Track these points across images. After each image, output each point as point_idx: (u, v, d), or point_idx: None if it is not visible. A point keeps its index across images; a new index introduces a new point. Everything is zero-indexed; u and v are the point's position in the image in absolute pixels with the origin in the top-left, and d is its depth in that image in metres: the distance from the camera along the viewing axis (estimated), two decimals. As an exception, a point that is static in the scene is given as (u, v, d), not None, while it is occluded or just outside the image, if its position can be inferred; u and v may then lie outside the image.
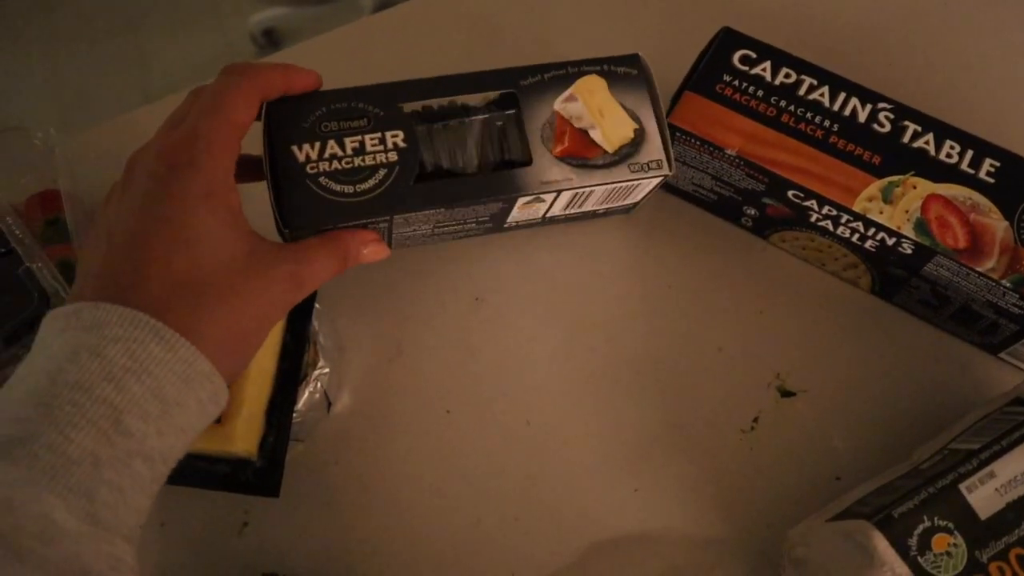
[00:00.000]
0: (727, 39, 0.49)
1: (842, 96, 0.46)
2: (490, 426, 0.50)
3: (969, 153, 0.45)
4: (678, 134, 0.48)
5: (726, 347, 0.50)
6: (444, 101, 0.46)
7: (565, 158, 0.45)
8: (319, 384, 0.48)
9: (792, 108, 0.46)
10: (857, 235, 0.46)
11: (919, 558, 0.38)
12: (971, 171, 0.44)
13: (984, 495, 0.39)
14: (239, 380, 0.45)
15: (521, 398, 0.50)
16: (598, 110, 0.45)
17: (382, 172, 0.43)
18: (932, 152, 0.45)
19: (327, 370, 0.49)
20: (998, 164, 0.44)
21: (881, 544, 0.38)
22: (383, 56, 0.61)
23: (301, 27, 1.60)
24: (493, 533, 0.48)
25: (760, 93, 0.47)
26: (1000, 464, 0.39)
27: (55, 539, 0.28)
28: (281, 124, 0.42)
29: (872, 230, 0.45)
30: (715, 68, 0.48)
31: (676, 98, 0.48)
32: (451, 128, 0.45)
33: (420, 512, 0.48)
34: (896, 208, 0.44)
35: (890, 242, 0.44)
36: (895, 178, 0.45)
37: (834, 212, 0.45)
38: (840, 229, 0.46)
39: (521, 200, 0.45)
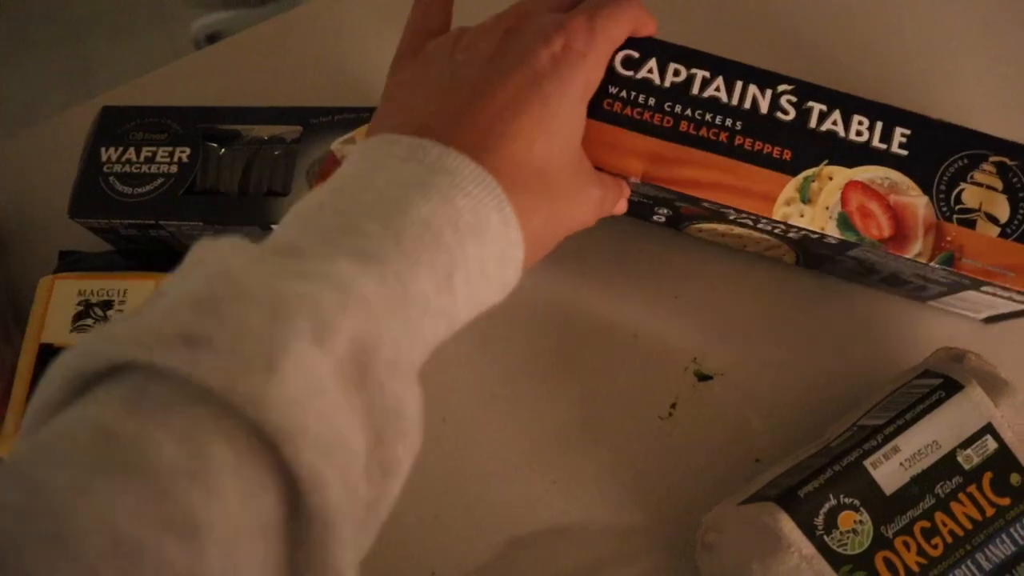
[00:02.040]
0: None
1: (739, 86, 0.42)
2: (407, 425, 0.49)
3: (879, 126, 0.42)
4: None
5: (641, 334, 0.50)
6: (243, 128, 0.50)
7: None
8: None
9: (690, 113, 0.42)
10: (779, 229, 0.44)
11: (825, 537, 0.38)
12: (883, 146, 0.42)
13: (889, 470, 0.39)
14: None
15: (436, 395, 0.49)
16: None
17: (159, 180, 0.48)
18: (842, 132, 0.42)
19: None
20: (908, 132, 0.42)
21: (787, 525, 0.38)
22: (315, 47, 0.60)
23: (244, 30, 1.58)
24: (412, 531, 0.47)
25: (652, 101, 0.42)
26: (904, 438, 0.39)
27: (398, 373, 0.27)
28: (104, 125, 0.50)
29: (800, 231, 0.43)
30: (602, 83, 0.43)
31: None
32: (229, 152, 0.49)
33: (338, 516, 0.47)
34: (816, 207, 0.41)
35: (814, 236, 0.43)
36: (810, 172, 0.41)
37: (752, 218, 0.43)
38: (761, 225, 0.44)
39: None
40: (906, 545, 0.38)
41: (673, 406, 0.48)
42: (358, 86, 0.57)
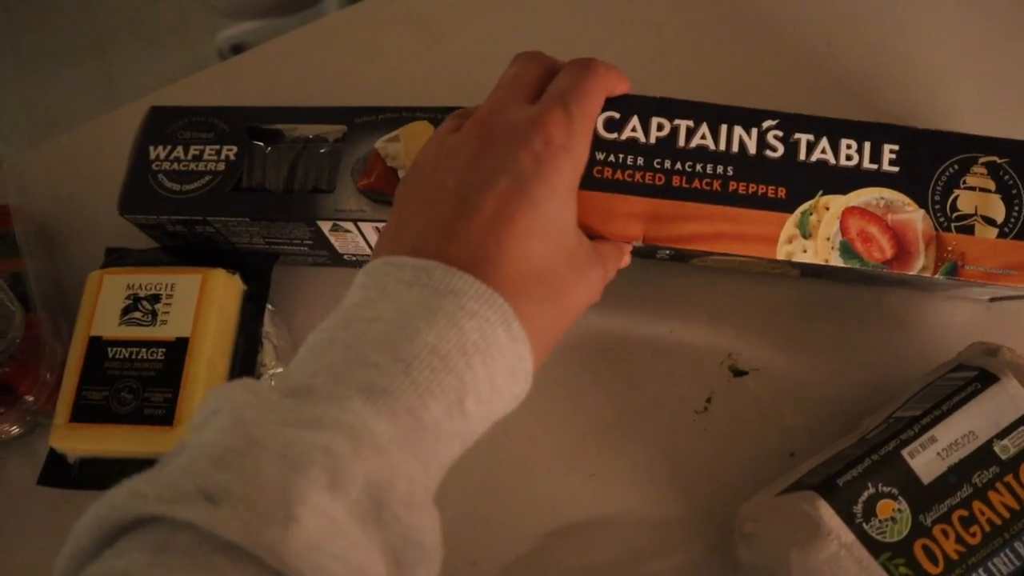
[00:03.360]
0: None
1: (724, 130, 0.41)
2: (446, 418, 0.50)
3: (867, 147, 0.41)
4: None
5: (677, 329, 0.51)
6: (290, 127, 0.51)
7: (367, 191, 0.47)
8: (272, 384, 0.48)
9: (680, 166, 0.41)
10: (789, 267, 0.44)
11: (864, 524, 0.39)
12: (874, 166, 0.41)
13: (926, 460, 0.40)
14: (190, 380, 0.45)
15: (476, 389, 0.50)
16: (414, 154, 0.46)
17: (207, 178, 0.49)
18: (832, 160, 0.41)
19: (280, 370, 0.49)
20: (897, 147, 0.41)
21: (827, 512, 0.39)
22: (342, 57, 0.61)
23: (279, 36, 1.60)
24: (451, 524, 0.47)
25: (641, 161, 0.40)
26: (940, 429, 0.40)
27: (413, 505, 0.29)
28: (152, 125, 0.51)
29: (803, 264, 0.42)
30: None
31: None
32: (275, 151, 0.50)
33: (379, 507, 0.48)
34: (817, 240, 0.41)
35: (819, 265, 0.42)
36: (806, 206, 0.41)
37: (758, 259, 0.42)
38: (766, 264, 0.44)
39: (323, 225, 0.48)
40: (944, 533, 0.38)
41: (709, 400, 0.49)
42: (399, 90, 0.58)
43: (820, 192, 0.41)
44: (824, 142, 0.41)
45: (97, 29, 1.81)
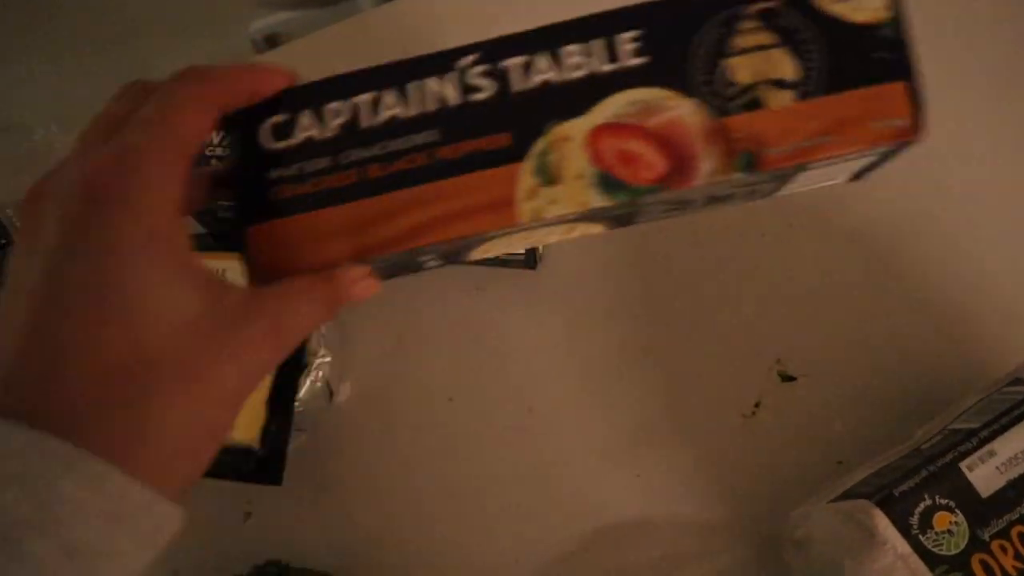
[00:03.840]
0: (233, 129, 0.32)
1: (412, 88, 0.32)
2: (493, 413, 0.50)
3: (597, 45, 0.32)
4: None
5: (727, 333, 0.50)
6: None
7: None
8: (321, 373, 0.48)
9: (374, 152, 0.32)
10: (559, 225, 0.34)
11: (920, 536, 0.38)
12: (613, 67, 0.31)
13: (985, 473, 0.39)
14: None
15: (523, 386, 0.50)
16: None
17: None
18: (556, 77, 0.32)
19: (328, 359, 0.49)
20: (637, 33, 0.32)
21: (882, 523, 0.38)
22: (377, 54, 0.61)
23: (303, 32, 1.60)
24: (497, 519, 0.48)
25: (325, 164, 0.32)
26: (1000, 442, 0.40)
27: None
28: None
29: (564, 218, 0.33)
30: (252, 176, 0.32)
31: (242, 244, 0.32)
32: None
33: (423, 499, 0.48)
34: (566, 182, 0.31)
35: (588, 213, 0.33)
36: (539, 146, 0.31)
37: (511, 231, 0.33)
38: (540, 231, 0.34)
39: None
40: (1003, 549, 0.38)
41: (757, 405, 0.49)
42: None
43: (552, 122, 0.32)
44: (540, 57, 0.32)
45: (129, 17, 1.82)
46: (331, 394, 0.50)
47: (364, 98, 0.32)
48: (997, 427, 0.40)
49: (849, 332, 0.50)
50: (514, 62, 0.32)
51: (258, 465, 0.46)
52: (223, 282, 0.28)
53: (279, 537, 0.49)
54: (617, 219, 0.36)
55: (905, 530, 0.38)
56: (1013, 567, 0.38)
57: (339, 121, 0.32)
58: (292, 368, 0.47)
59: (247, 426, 0.45)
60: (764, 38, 0.31)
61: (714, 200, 0.36)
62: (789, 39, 0.31)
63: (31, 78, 1.67)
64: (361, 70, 0.32)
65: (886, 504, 0.39)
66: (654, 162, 0.31)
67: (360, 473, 0.49)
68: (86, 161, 0.26)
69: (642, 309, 0.51)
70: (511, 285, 0.52)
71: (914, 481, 0.39)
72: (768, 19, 0.31)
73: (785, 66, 0.31)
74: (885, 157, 0.33)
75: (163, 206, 0.26)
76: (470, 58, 0.32)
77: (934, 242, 0.51)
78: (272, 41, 1.65)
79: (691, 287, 0.52)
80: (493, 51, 0.32)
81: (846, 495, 0.41)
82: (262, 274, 0.31)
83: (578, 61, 0.32)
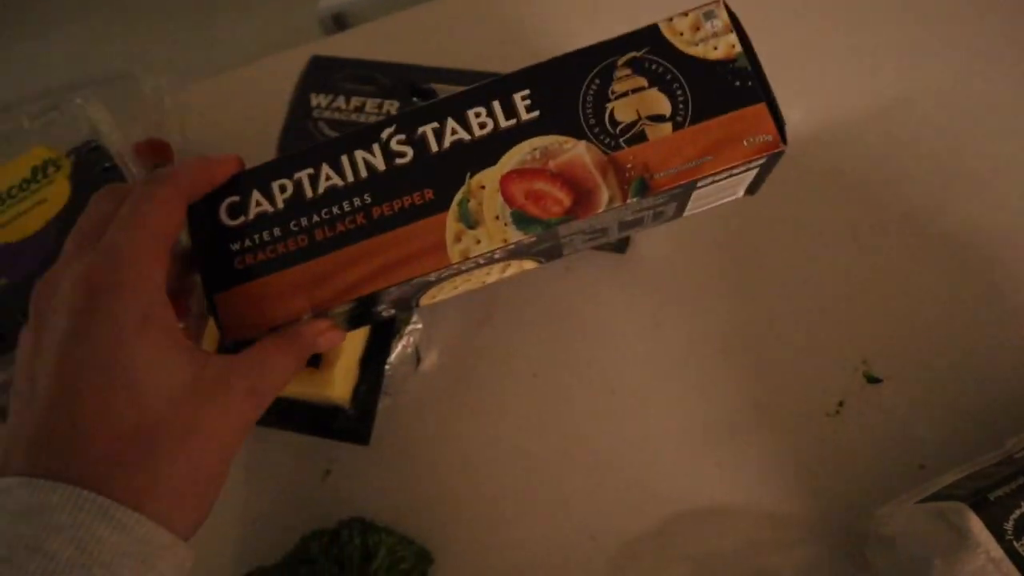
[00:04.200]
0: (196, 215, 0.38)
1: (345, 161, 0.38)
2: (575, 392, 0.50)
3: (496, 106, 0.37)
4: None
5: (814, 330, 0.50)
6: None
7: None
8: (411, 339, 0.49)
9: (318, 218, 0.37)
10: (488, 259, 0.39)
11: (1015, 542, 0.38)
12: (513, 122, 0.37)
13: (1084, 484, 0.39)
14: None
15: (607, 367, 0.51)
16: None
17: None
18: (466, 136, 0.37)
19: (420, 325, 0.50)
20: (528, 91, 0.37)
21: (976, 526, 0.38)
22: (446, 39, 0.62)
23: (370, 13, 1.61)
24: (574, 496, 0.48)
25: (277, 232, 0.37)
26: (1099, 455, 0.39)
27: None
28: (313, 74, 0.51)
29: (491, 256, 0.38)
30: (215, 248, 0.38)
31: (212, 309, 0.38)
32: None
33: (502, 471, 0.49)
34: (486, 224, 0.37)
35: (512, 248, 0.38)
36: (459, 195, 0.37)
37: (446, 273, 0.38)
38: (467, 266, 0.39)
39: None
40: (1098, 562, 0.38)
41: (840, 404, 0.49)
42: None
43: (468, 174, 0.37)
44: (450, 122, 0.38)
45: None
46: (418, 360, 0.51)
47: (304, 174, 0.37)
48: (1096, 440, 0.40)
49: (937, 337, 0.50)
50: (427, 128, 0.37)
51: (348, 423, 0.47)
52: (206, 353, 0.32)
53: (357, 496, 0.49)
54: (545, 253, 0.41)
55: (999, 535, 0.38)
56: (1107, 580, 0.38)
57: (286, 195, 0.37)
58: (385, 331, 0.48)
59: (341, 383, 0.46)
60: (637, 82, 0.37)
61: (626, 225, 0.41)
62: (658, 80, 0.36)
63: (134, 31, 1.69)
64: (299, 151, 0.38)
65: (981, 507, 0.39)
66: (560, 197, 0.36)
67: (441, 439, 0.50)
68: (82, 261, 0.31)
69: (729, 299, 0.52)
70: (600, 268, 0.53)
71: (1010, 487, 0.39)
72: (638, 66, 0.36)
73: (660, 103, 0.36)
74: (766, 169, 0.38)
75: (152, 292, 0.31)
76: (390, 130, 0.38)
77: (1030, 255, 0.51)
78: (340, 21, 1.67)
79: (781, 282, 0.52)
80: (408, 121, 0.37)
81: (935, 496, 0.42)
82: (232, 333, 0.36)
83: (483, 121, 0.37)
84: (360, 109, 0.51)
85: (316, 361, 0.46)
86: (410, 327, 0.49)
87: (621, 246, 0.52)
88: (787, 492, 0.47)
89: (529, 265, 0.43)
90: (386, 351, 0.48)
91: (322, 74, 0.53)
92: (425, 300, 0.43)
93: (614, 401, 0.50)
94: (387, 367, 0.48)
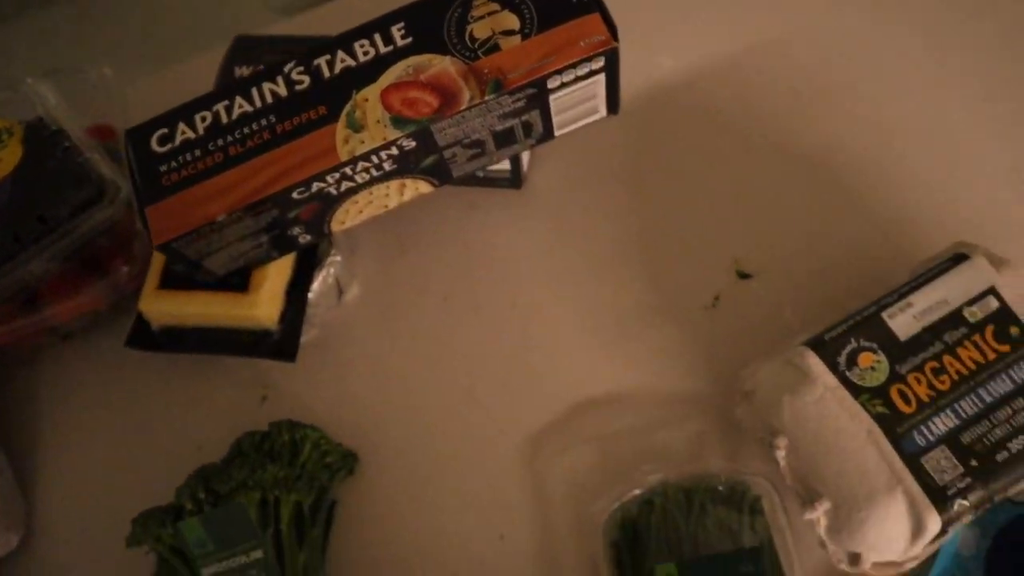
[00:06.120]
0: (133, 145, 0.48)
1: (255, 92, 0.47)
2: (482, 308, 0.56)
3: (377, 37, 0.46)
4: (173, 247, 0.47)
5: (690, 238, 0.57)
6: None
7: None
8: (331, 270, 0.55)
9: (231, 137, 0.46)
10: (378, 166, 0.47)
11: (847, 372, 0.44)
12: (390, 48, 0.46)
13: (903, 321, 0.45)
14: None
15: (510, 286, 0.57)
16: None
17: None
18: (353, 63, 0.46)
19: (339, 258, 0.55)
20: (402, 23, 0.46)
21: (814, 361, 0.44)
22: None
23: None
24: (485, 398, 0.54)
25: (198, 152, 0.46)
26: (916, 296, 0.46)
27: None
28: (236, 51, 0.60)
29: (380, 155, 0.46)
30: (147, 171, 0.47)
31: (144, 221, 0.47)
32: None
33: (421, 382, 0.55)
34: (369, 128, 0.45)
35: (396, 152, 0.46)
36: (347, 108, 0.45)
37: (338, 175, 0.46)
38: (361, 176, 0.47)
39: None
40: (917, 380, 0.44)
41: (717, 298, 0.55)
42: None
43: (354, 91, 0.46)
44: (340, 53, 0.46)
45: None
46: (340, 292, 0.57)
47: (221, 105, 0.47)
48: (915, 284, 0.46)
49: (797, 238, 0.56)
50: (322, 60, 0.47)
51: (276, 344, 0.53)
52: None
53: (292, 417, 0.55)
54: (434, 172, 0.50)
55: (833, 367, 0.44)
56: (926, 395, 0.43)
57: (205, 124, 0.47)
58: (307, 262, 0.54)
59: (267, 305, 0.52)
60: (491, 7, 0.46)
61: (501, 140, 0.49)
62: (509, 3, 0.45)
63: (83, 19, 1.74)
64: (218, 89, 0.48)
65: (817, 347, 0.45)
66: (429, 100, 0.45)
67: (364, 362, 0.56)
68: None
69: (614, 221, 0.58)
70: (500, 202, 0.59)
71: (841, 328, 0.45)
72: None
73: (510, 21, 0.45)
74: (611, 76, 0.47)
75: None
76: (291, 64, 0.47)
77: (872, 156, 0.58)
78: (288, 10, 1.73)
79: (660, 201, 0.58)
80: (307, 56, 0.47)
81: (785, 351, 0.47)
82: (159, 237, 0.46)
83: (366, 50, 0.46)
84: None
85: (244, 286, 0.52)
86: (330, 259, 0.55)
87: (516, 181, 0.59)
88: (674, 377, 0.53)
89: (425, 188, 0.51)
90: (309, 279, 0.54)
91: (245, 51, 0.59)
92: (336, 225, 0.51)
93: (515, 313, 0.56)
94: (311, 294, 0.54)
